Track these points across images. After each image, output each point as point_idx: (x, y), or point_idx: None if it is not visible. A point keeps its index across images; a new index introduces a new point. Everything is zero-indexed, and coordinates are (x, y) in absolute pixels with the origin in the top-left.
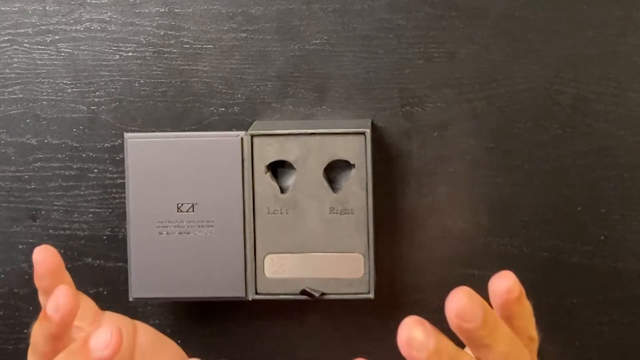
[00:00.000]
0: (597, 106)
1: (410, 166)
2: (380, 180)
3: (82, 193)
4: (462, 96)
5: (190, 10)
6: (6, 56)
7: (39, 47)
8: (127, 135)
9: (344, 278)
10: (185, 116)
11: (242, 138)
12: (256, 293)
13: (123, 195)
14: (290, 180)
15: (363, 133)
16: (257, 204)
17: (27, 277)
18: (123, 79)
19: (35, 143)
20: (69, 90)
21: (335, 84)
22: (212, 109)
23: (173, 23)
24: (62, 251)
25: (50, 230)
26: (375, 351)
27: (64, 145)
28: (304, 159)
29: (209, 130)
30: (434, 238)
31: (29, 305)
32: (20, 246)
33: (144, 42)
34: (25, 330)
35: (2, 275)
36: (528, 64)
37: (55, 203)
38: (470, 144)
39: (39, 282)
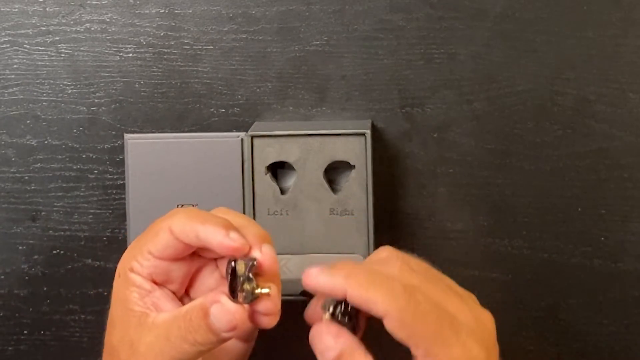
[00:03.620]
0: (598, 107)
1: (411, 167)
2: (381, 182)
3: (82, 194)
4: (462, 97)
5: (191, 11)
6: (6, 57)
7: (39, 48)
8: (127, 136)
9: None
10: (186, 117)
11: (242, 139)
12: None
13: (123, 196)
14: (290, 181)
15: (363, 134)
16: (257, 205)
17: (27, 278)
18: (123, 79)
19: (35, 144)
20: (69, 91)
21: (336, 85)
22: (212, 109)
23: (173, 24)
24: (62, 252)
25: (50, 231)
26: (375, 351)
27: (64, 146)
28: (304, 160)
29: (209, 131)
30: (434, 239)
31: (29, 306)
32: (20, 247)
33: (144, 43)
34: (25, 331)
35: (2, 277)
36: (528, 65)
37: (55, 204)
38: (471, 145)
39: None
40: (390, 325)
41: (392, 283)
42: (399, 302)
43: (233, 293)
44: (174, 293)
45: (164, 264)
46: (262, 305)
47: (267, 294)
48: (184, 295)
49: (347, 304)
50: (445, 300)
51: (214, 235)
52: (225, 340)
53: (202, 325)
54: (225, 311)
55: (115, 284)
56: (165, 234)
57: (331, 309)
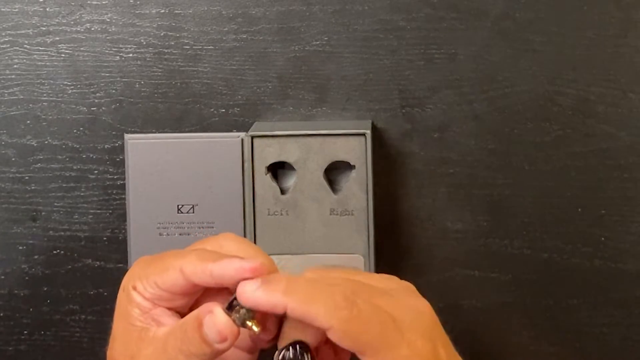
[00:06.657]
0: (598, 107)
1: (411, 167)
2: (381, 182)
3: (82, 194)
4: (462, 97)
5: (191, 12)
6: (6, 57)
7: (40, 48)
8: (127, 136)
9: None
10: (186, 117)
11: (242, 139)
12: None
13: (123, 196)
14: (290, 182)
15: (363, 134)
16: (258, 205)
17: (27, 278)
18: (123, 80)
19: (35, 144)
20: (69, 92)
21: (336, 85)
22: (212, 110)
23: (173, 24)
24: (62, 252)
25: (51, 232)
26: None
27: (64, 146)
28: (304, 160)
29: (209, 132)
30: (434, 239)
31: (29, 306)
32: (20, 247)
33: (145, 43)
34: (25, 332)
35: (2, 277)
36: (528, 65)
37: (56, 204)
38: (471, 145)
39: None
40: (335, 337)
41: (332, 294)
42: (341, 313)
43: (230, 309)
44: (177, 311)
45: (169, 294)
46: (248, 335)
47: (254, 332)
48: (187, 313)
49: (295, 351)
50: (384, 301)
51: (229, 265)
52: (219, 351)
53: (196, 337)
54: (215, 322)
55: (118, 297)
56: (175, 273)
57: (280, 357)
